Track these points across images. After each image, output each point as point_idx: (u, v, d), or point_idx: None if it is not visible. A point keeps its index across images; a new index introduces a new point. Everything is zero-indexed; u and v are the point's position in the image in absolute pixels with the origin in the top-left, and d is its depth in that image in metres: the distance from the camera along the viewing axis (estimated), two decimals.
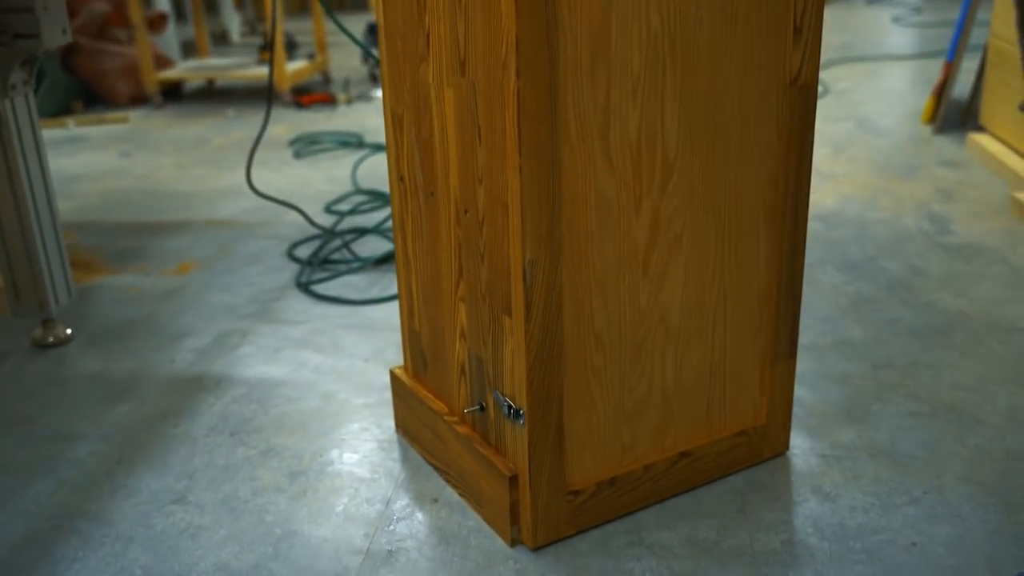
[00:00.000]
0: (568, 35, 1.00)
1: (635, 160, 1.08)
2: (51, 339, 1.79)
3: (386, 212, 2.46)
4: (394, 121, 1.27)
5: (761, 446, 1.32)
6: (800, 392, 1.51)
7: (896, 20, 5.41)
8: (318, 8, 4.20)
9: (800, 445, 1.37)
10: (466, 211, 1.14)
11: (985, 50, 2.88)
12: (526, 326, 1.07)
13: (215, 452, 1.42)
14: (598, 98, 1.04)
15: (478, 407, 1.21)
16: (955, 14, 5.52)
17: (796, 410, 1.46)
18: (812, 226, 2.23)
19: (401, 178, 1.29)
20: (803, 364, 1.59)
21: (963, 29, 2.97)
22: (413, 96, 1.20)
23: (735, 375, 1.26)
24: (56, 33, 1.63)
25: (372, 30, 4.13)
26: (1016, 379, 1.51)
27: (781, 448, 1.34)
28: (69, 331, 1.82)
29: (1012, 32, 2.57)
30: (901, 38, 4.85)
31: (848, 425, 1.41)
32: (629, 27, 1.03)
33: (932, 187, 2.47)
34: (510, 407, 1.13)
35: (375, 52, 4.22)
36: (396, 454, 1.40)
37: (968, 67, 3.62)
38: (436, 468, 1.35)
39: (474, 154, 1.09)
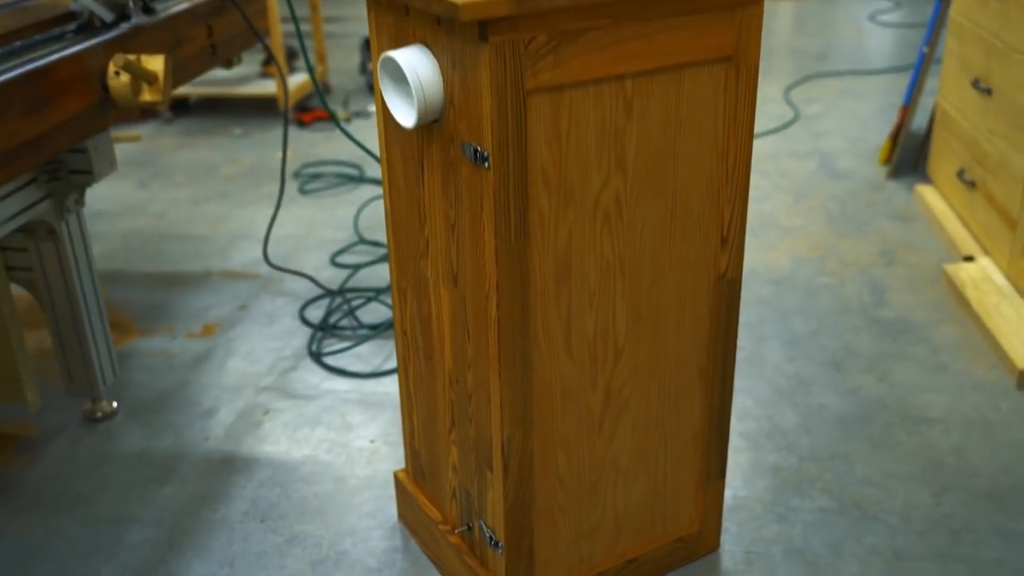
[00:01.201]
0: (537, 271, 1.27)
1: (591, 351, 1.36)
2: (99, 414, 2.08)
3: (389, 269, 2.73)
4: (399, 291, 1.54)
5: (695, 547, 1.62)
6: (735, 486, 1.81)
7: (872, 18, 5.59)
8: (317, 14, 4.39)
9: (730, 541, 1.67)
10: (457, 381, 1.42)
11: (935, 106, 3.12)
12: (504, 482, 1.36)
13: (249, 539, 1.72)
14: (561, 311, 1.31)
15: (466, 528, 1.51)
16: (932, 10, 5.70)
17: (730, 503, 1.76)
18: (765, 292, 2.51)
19: (404, 333, 1.56)
20: (740, 455, 1.89)
21: (920, 73, 3.20)
22: (415, 280, 1.47)
23: (674, 496, 1.56)
24: (104, 166, 1.88)
25: (367, 44, 4.33)
26: (915, 475, 1.81)
27: (712, 546, 1.64)
28: (115, 404, 2.11)
29: (956, 95, 2.81)
30: (876, 41, 5.05)
31: (772, 521, 1.71)
32: (586, 257, 1.30)
33: (878, 247, 2.75)
34: (491, 537, 1.43)
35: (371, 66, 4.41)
36: (398, 543, 1.70)
37: (929, 96, 3.85)
38: (431, 560, 1.65)
39: (464, 345, 1.37)
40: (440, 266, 1.38)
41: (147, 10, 1.89)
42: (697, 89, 1.29)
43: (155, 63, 1.71)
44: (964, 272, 2.46)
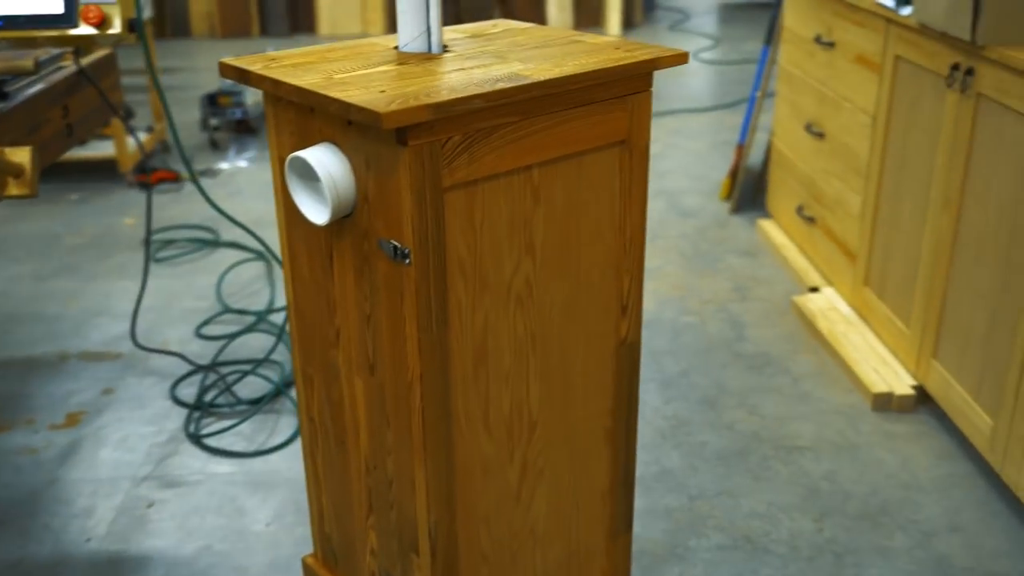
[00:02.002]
0: (456, 357, 1.30)
1: (508, 427, 1.40)
2: None
3: (261, 339, 2.67)
4: (304, 377, 1.53)
5: None
6: (635, 531, 1.88)
7: (695, 56, 5.93)
8: (154, 68, 4.25)
9: None
10: (375, 467, 1.43)
11: (770, 143, 3.35)
12: (432, 566, 1.37)
13: None
14: (480, 392, 1.34)
15: None
16: (748, 45, 6.11)
17: (633, 550, 1.83)
18: None
19: (311, 419, 1.55)
20: (636, 500, 1.97)
21: (752, 115, 3.44)
22: (324, 367, 1.47)
23: (587, 554, 1.61)
24: None
25: (211, 100, 4.23)
26: (796, 504, 1.95)
27: None
28: None
29: (790, 138, 3.04)
30: (701, 78, 5.36)
31: (674, 563, 1.80)
32: (501, 339, 1.34)
33: (731, 283, 2.92)
34: None
35: (213, 122, 4.31)
36: None
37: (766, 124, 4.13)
38: None
39: (383, 432, 1.38)
40: (354, 355, 1.38)
41: (1, 96, 1.80)
42: (596, 172, 1.36)
43: (21, 155, 1.63)
44: (812, 303, 2.66)
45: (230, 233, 3.39)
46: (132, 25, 1.93)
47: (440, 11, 1.36)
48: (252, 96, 4.42)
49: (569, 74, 1.24)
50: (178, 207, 3.64)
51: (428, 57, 1.34)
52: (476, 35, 1.49)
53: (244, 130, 4.45)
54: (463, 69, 1.27)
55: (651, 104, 1.39)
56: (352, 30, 6.79)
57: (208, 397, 2.38)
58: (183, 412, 2.33)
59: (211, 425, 2.28)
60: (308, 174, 1.29)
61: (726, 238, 3.25)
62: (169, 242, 3.33)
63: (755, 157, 3.76)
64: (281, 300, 2.87)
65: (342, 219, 1.30)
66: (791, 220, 3.06)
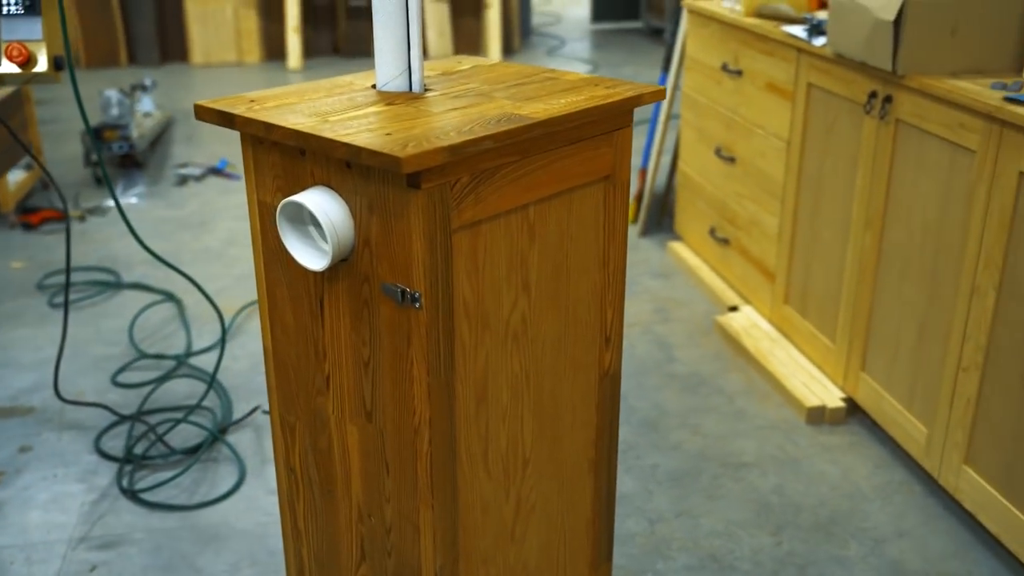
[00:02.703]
0: (460, 399, 1.28)
1: (505, 464, 1.39)
2: None
3: (184, 385, 2.56)
4: (284, 427, 1.47)
5: None
6: None
7: None
8: (30, 104, 4.02)
9: None
10: (370, 516, 1.39)
11: (673, 166, 3.46)
12: None
13: None
14: (480, 432, 1.33)
15: None
16: (627, 70, 6.28)
17: None
18: None
19: (291, 469, 1.50)
20: None
21: (653, 140, 3.54)
22: (309, 415, 1.42)
23: None
24: None
25: (95, 133, 4.04)
26: (751, 520, 2.01)
27: None
28: None
29: (698, 162, 3.15)
30: None
31: None
32: (499, 377, 1.33)
33: (651, 305, 2.99)
34: None
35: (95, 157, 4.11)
36: None
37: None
38: None
39: (381, 480, 1.35)
40: (347, 403, 1.35)
41: None
42: (584, 207, 1.38)
43: None
44: (734, 322, 2.75)
45: (131, 273, 3.24)
46: (58, 63, 1.83)
47: (420, 49, 1.35)
48: (138, 129, 4.25)
49: (567, 112, 1.25)
50: (70, 248, 3.45)
51: (413, 97, 1.33)
52: (448, 72, 1.49)
53: (130, 164, 4.27)
54: (457, 109, 1.27)
55: (631, 139, 1.42)
56: (227, 59, 6.62)
57: (138, 449, 2.26)
58: (113, 466, 2.20)
59: (145, 478, 2.16)
60: (302, 219, 1.26)
61: (639, 261, 3.32)
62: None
63: (659, 180, 3.87)
64: (200, 342, 2.76)
65: (337, 264, 1.27)
66: (703, 242, 3.16)
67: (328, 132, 1.16)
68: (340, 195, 1.22)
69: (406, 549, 1.36)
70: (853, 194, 2.27)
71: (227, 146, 4.66)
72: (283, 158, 1.28)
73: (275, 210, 1.31)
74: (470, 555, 1.38)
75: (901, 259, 2.11)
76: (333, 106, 1.28)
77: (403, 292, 1.19)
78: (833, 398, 2.36)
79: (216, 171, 4.30)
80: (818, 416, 2.34)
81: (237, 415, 2.40)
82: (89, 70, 6.37)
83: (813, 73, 2.40)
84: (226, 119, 1.27)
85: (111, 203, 3.91)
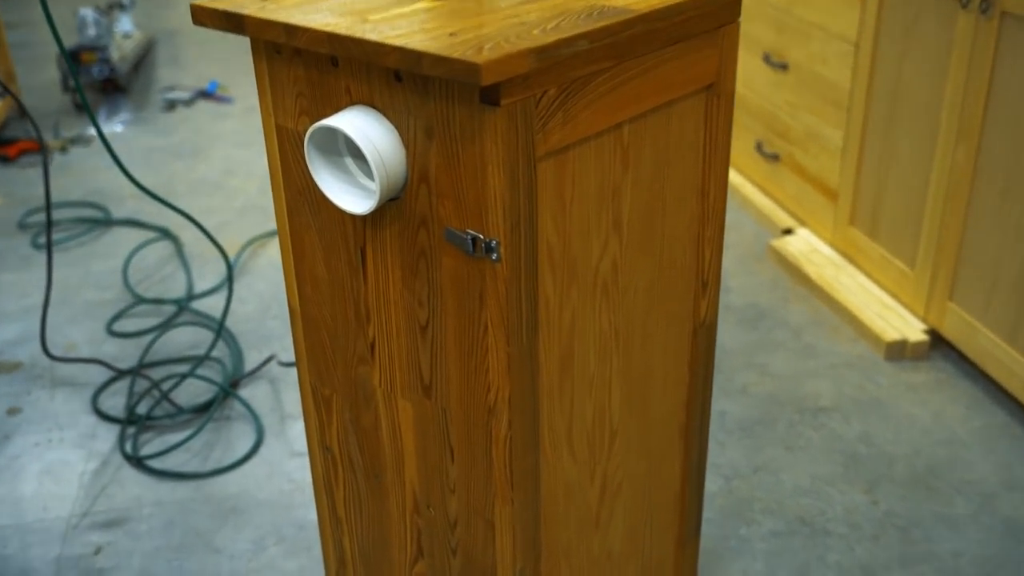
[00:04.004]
0: (543, 369, 1.03)
1: (590, 441, 1.15)
2: None
3: (188, 333, 2.31)
4: (316, 398, 1.23)
5: None
6: None
7: None
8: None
9: None
10: (429, 507, 1.15)
11: None
12: None
13: None
14: (564, 407, 1.09)
15: None
16: None
17: None
18: None
19: (327, 448, 1.26)
20: None
21: None
22: (347, 388, 1.17)
23: (659, 566, 1.39)
24: None
25: (72, 56, 3.70)
26: (840, 474, 1.78)
27: None
28: None
29: (741, 71, 2.84)
30: None
31: (731, 558, 1.60)
32: (587, 337, 1.08)
33: None
34: None
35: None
36: None
37: None
38: None
39: (442, 466, 1.10)
40: (398, 374, 1.10)
41: None
42: (683, 125, 1.11)
43: None
44: (791, 246, 2.49)
45: (121, 208, 2.96)
46: None
47: None
48: (118, 51, 3.91)
49: (672, 2, 0.97)
50: (52, 182, 3.16)
51: None
52: None
53: (113, 90, 3.94)
54: (528, 3, 0.99)
55: (739, 39, 1.14)
56: None
57: (141, 408, 2.02)
58: (114, 429, 1.96)
59: (151, 442, 1.93)
60: (336, 148, 0.99)
61: None
62: (51, 222, 2.88)
63: None
64: (201, 284, 2.50)
65: (385, 204, 1.00)
66: (748, 158, 2.88)
67: (372, 34, 0.88)
68: (387, 117, 0.95)
69: (476, 548, 1.13)
70: (941, 102, 1.99)
71: (217, 66, 4.32)
72: (309, 71, 1.00)
73: (300, 137, 1.04)
74: (551, 549, 1.15)
75: (1004, 174, 1.84)
76: (370, 2, 1.00)
77: (475, 240, 0.93)
78: (914, 331, 2.12)
79: (207, 94, 3.97)
80: (898, 351, 2.10)
81: (249, 366, 2.16)
82: None
83: None
84: (233, 22, 0.98)
85: (94, 132, 3.60)
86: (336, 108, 0.99)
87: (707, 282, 1.25)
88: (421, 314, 1.03)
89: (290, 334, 2.28)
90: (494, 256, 0.92)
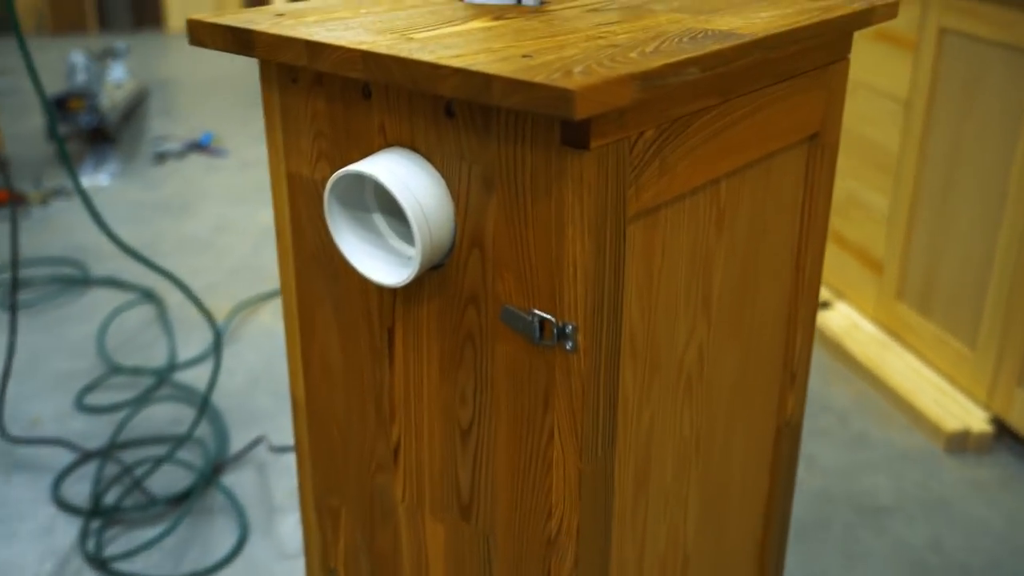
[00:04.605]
0: (617, 485, 0.81)
1: (662, 571, 0.93)
2: None
3: (168, 408, 2.07)
4: (320, 510, 1.00)
5: None
6: None
7: None
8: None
9: None
10: None
11: None
12: None
13: None
14: (636, 531, 0.87)
15: None
16: None
17: None
18: None
19: (332, 572, 1.02)
20: None
21: None
22: (361, 499, 0.95)
23: None
24: None
25: (58, 104, 3.52)
26: None
27: None
28: None
29: None
30: None
31: None
32: (665, 444, 0.86)
33: None
34: None
35: (62, 130, 3.60)
36: None
37: None
38: None
39: None
40: (428, 487, 0.87)
41: None
42: (782, 182, 0.91)
43: None
44: (831, 322, 2.29)
45: (101, 267, 2.74)
46: None
47: None
48: (109, 99, 3.73)
49: (792, 27, 0.78)
50: (27, 238, 2.94)
51: (528, 10, 0.85)
52: None
53: (101, 140, 3.75)
54: (611, 23, 0.79)
55: (847, 82, 0.95)
56: None
57: (110, 497, 1.78)
58: (76, 522, 1.72)
59: (118, 539, 1.68)
60: (364, 203, 0.78)
61: None
62: (24, 284, 2.65)
63: None
64: (186, 352, 2.27)
65: (424, 273, 0.79)
66: None
67: (421, 54, 0.68)
68: (431, 162, 0.74)
69: None
70: (1009, 166, 1.81)
71: (212, 117, 4.14)
72: (332, 104, 0.80)
73: (318, 188, 0.83)
74: None
75: None
76: (412, 20, 0.80)
77: (543, 323, 0.71)
78: (976, 419, 1.91)
79: (199, 147, 3.78)
80: (960, 442, 1.89)
81: (235, 448, 1.92)
82: (57, 37, 5.81)
83: (948, 15, 1.93)
84: (241, 41, 0.78)
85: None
86: (366, 151, 0.78)
87: (795, 373, 1.04)
88: (463, 414, 0.81)
89: (283, 413, 2.05)
90: (568, 345, 0.71)
